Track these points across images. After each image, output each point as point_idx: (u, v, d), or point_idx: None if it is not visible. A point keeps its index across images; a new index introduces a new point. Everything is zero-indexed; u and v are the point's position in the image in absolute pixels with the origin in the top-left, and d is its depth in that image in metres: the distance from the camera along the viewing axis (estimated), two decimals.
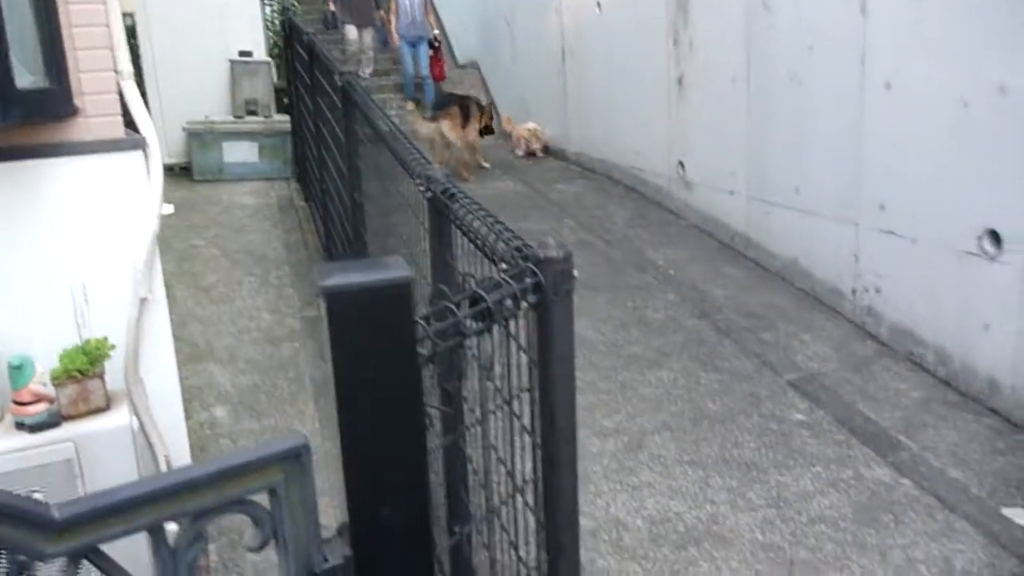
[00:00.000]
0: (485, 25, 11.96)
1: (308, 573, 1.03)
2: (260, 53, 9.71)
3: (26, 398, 2.77)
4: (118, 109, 3.16)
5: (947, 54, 4.48)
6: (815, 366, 4.85)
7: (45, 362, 2.86)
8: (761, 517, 3.61)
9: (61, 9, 2.92)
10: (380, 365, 1.09)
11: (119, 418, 2.91)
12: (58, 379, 2.81)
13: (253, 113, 9.44)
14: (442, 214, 2.29)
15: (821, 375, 4.75)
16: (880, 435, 4.18)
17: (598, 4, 8.62)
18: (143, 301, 3.16)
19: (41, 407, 2.78)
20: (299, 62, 7.55)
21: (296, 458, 1.01)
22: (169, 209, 3.25)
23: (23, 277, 3.01)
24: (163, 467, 3.12)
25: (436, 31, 11.79)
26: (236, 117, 9.39)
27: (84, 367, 2.84)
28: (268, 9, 11.52)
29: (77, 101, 3.01)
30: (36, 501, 0.92)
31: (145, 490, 0.91)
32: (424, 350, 1.26)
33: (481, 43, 12.31)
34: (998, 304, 4.28)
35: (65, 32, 2.94)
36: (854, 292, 5.32)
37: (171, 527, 1.00)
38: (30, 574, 0.90)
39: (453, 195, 2.18)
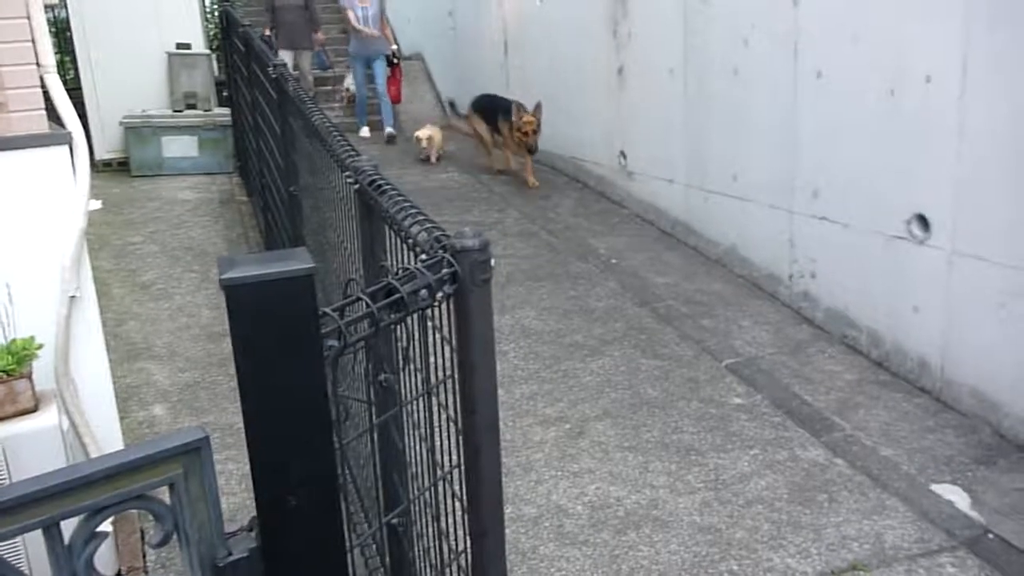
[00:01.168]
0: (428, 17, 11.88)
1: (212, 567, 1.03)
2: (199, 45, 9.55)
3: None
4: (41, 103, 3.09)
5: (874, 43, 4.57)
6: (753, 351, 4.93)
7: None
8: (700, 500, 3.67)
9: None
10: (283, 357, 1.09)
11: (48, 419, 2.86)
12: None
13: (192, 107, 9.29)
14: (369, 206, 2.28)
15: (759, 359, 4.84)
16: (815, 416, 4.27)
17: None
18: (72, 299, 3.11)
19: None
20: (236, 54, 7.44)
21: (195, 452, 1.00)
22: (97, 205, 3.20)
23: None
24: None
25: (395, 46, 10.50)
26: (175, 111, 9.23)
27: (10, 367, 2.79)
28: (207, 1, 11.29)
29: None
30: None
31: (36, 488, 0.90)
32: (335, 342, 1.26)
33: (424, 35, 12.23)
34: (927, 287, 4.39)
35: None
36: (790, 277, 5.42)
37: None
38: None
39: (380, 186, 2.18)
